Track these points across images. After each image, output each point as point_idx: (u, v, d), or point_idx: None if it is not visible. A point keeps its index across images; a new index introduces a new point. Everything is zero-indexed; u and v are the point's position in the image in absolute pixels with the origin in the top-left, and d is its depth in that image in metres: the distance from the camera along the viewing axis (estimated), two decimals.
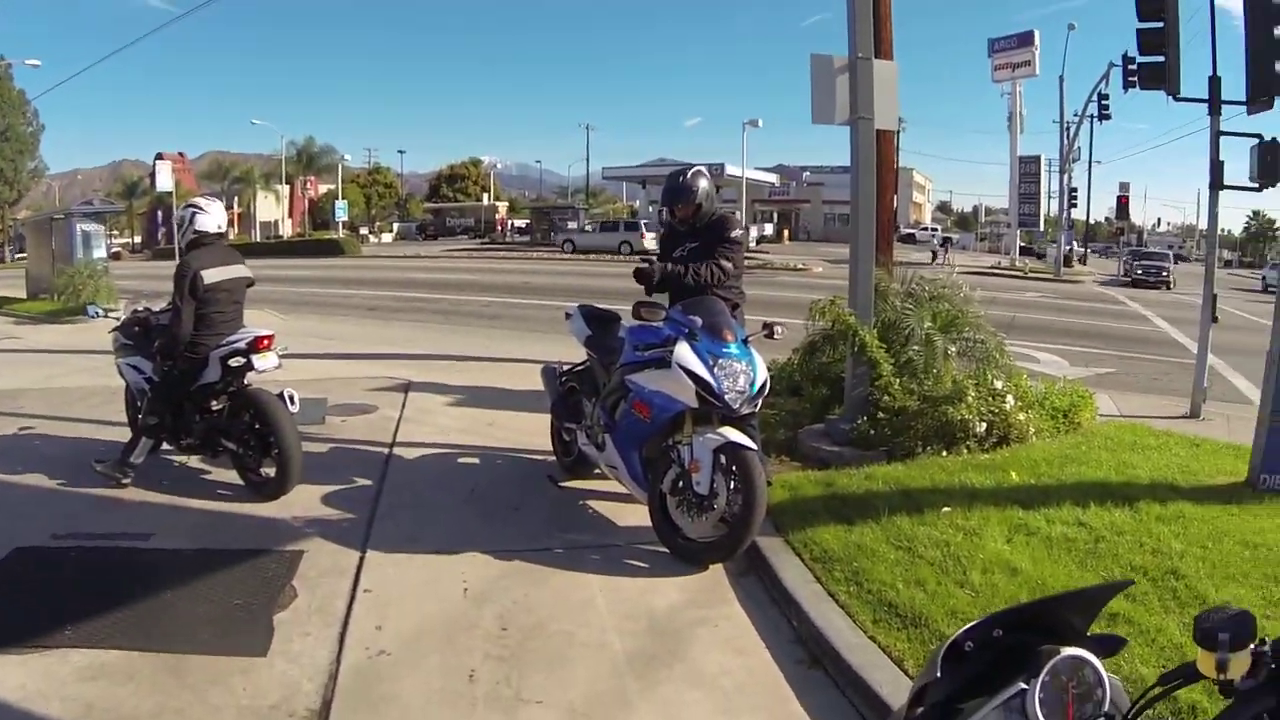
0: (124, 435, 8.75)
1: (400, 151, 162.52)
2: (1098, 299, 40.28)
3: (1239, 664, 1.54)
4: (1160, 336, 25.60)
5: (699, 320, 6.90)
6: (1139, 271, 56.06)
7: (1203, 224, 14.25)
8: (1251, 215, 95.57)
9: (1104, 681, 1.73)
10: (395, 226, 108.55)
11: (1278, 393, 8.94)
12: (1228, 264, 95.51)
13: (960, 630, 1.78)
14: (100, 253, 28.04)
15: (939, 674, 1.75)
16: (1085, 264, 78.23)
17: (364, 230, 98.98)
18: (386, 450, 9.40)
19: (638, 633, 5.75)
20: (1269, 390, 9.02)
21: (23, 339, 20.27)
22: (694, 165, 8.70)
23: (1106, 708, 1.72)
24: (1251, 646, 1.59)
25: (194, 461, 8.78)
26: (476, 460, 9.24)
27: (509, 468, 9.07)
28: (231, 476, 8.18)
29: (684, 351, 6.67)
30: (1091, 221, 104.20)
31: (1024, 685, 1.65)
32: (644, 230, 61.70)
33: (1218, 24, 14.21)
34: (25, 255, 43.80)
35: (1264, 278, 61.08)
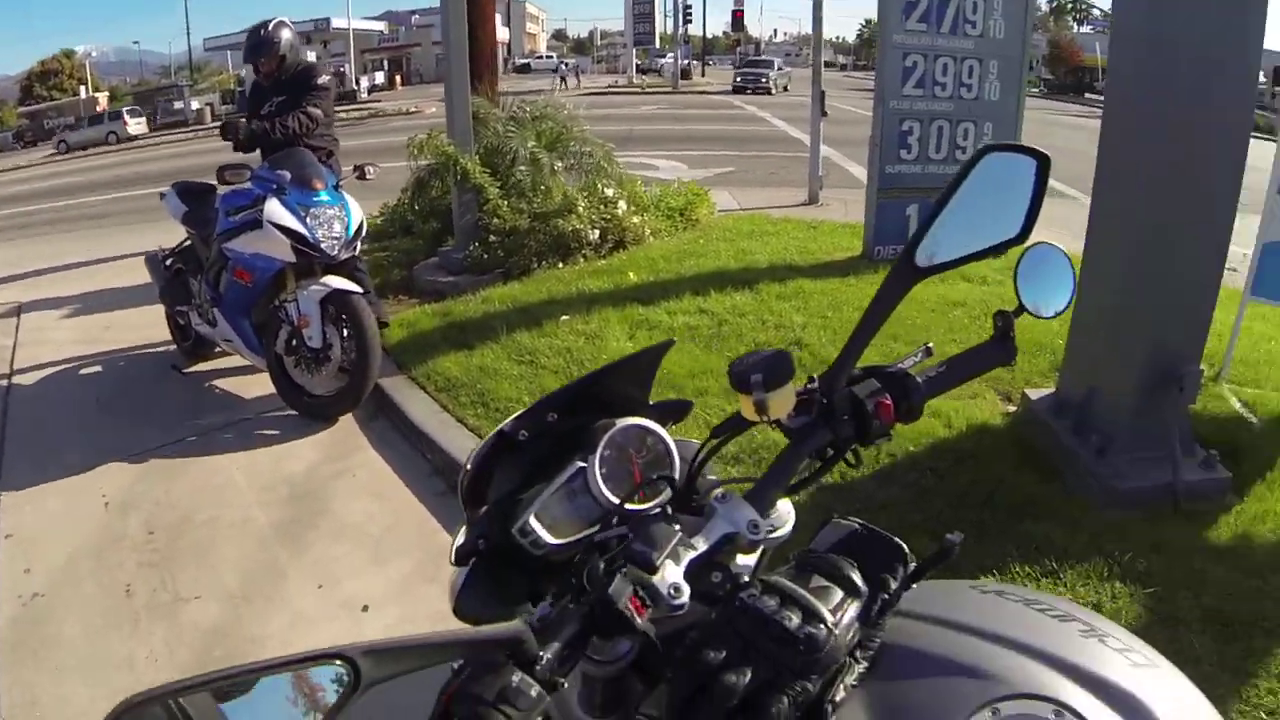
0: None
1: None
2: (716, 106, 41.72)
3: (779, 403, 1.51)
4: (778, 135, 26.76)
5: (287, 174, 6.85)
6: (738, 80, 59.63)
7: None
8: (864, 23, 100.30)
9: (669, 446, 1.75)
10: None
11: (881, 171, 9.78)
12: (843, 68, 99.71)
13: (509, 419, 1.74)
14: None
15: (476, 467, 1.72)
16: (705, 76, 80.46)
17: None
18: (5, 382, 8.88)
19: (280, 501, 5.86)
20: (874, 170, 9.86)
21: None
22: (275, 18, 8.54)
23: (675, 471, 1.72)
24: (798, 387, 1.60)
25: None
26: (99, 368, 8.93)
27: (132, 367, 8.83)
28: None
29: (274, 207, 6.65)
30: (709, 36, 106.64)
31: (582, 463, 1.64)
32: (126, 118, 64.21)
33: None
34: None
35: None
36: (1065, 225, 12.00)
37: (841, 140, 18.99)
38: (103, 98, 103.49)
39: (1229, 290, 8.02)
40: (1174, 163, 4.58)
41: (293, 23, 8.65)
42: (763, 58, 75.33)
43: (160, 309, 8.65)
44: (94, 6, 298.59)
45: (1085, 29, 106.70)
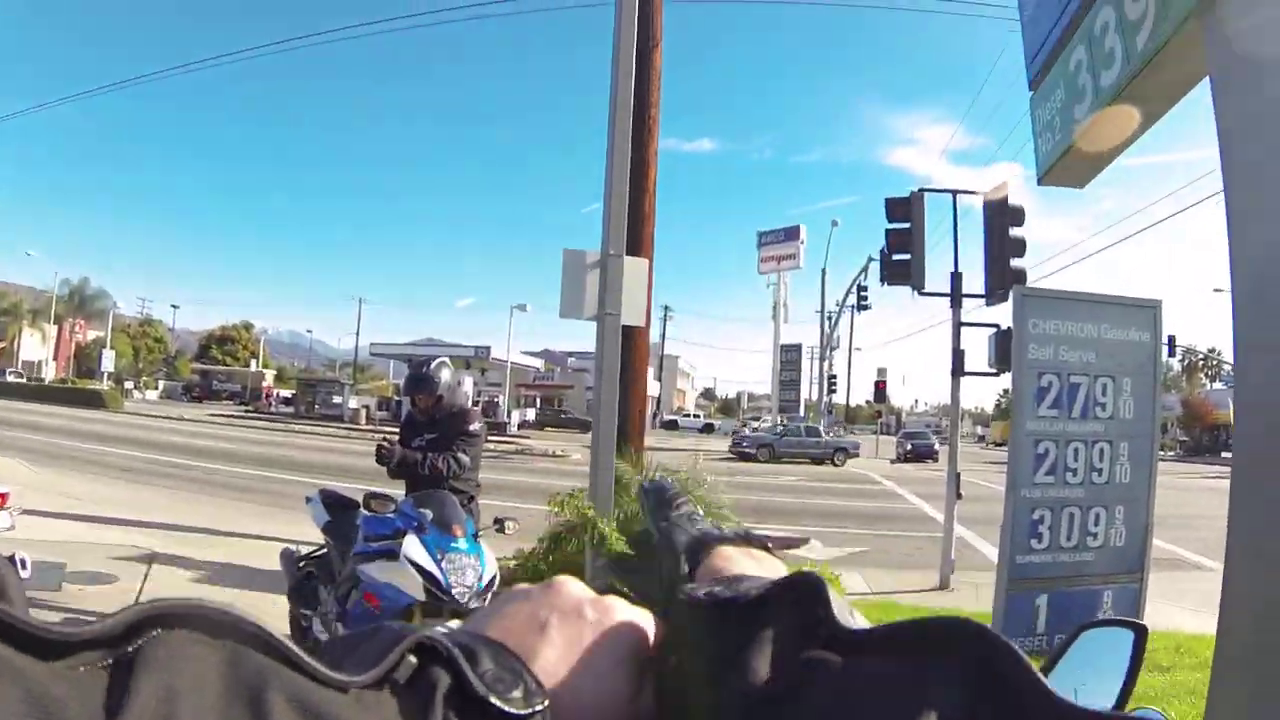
0: None
1: (174, 306, 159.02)
2: (854, 479, 41.52)
3: None
4: (913, 513, 26.58)
5: (429, 514, 7.04)
6: (908, 448, 60.90)
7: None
8: (1002, 393, 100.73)
9: None
10: (161, 384, 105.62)
11: (1011, 562, 9.64)
12: (980, 439, 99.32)
13: None
14: None
15: None
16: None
17: (129, 384, 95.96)
18: None
19: None
20: (1004, 561, 9.70)
21: None
22: (438, 357, 8.89)
23: None
24: None
25: None
26: None
27: None
28: None
29: (412, 544, 6.79)
30: (853, 405, 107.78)
31: None
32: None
33: (960, 223, 15.36)
34: None
35: None
36: (1193, 598, 11.72)
37: (976, 519, 18.85)
38: (270, 374, 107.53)
39: None
40: None
41: (455, 346, 8.98)
42: (916, 429, 76.15)
43: (284, 602, 8.72)
44: (277, 288, 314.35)
45: (1218, 385, 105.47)
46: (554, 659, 0.76)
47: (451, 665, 0.65)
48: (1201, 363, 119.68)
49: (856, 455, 57.74)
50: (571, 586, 0.87)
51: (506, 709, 0.65)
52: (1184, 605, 12.05)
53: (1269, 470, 4.32)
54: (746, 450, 55.60)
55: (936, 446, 59.33)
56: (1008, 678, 0.60)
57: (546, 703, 0.69)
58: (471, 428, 8.45)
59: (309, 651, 0.59)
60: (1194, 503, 24.84)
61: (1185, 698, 8.09)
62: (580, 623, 0.81)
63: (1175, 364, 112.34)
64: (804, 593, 0.75)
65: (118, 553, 12.12)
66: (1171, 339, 62.58)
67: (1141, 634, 1.64)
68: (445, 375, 8.48)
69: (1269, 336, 4.31)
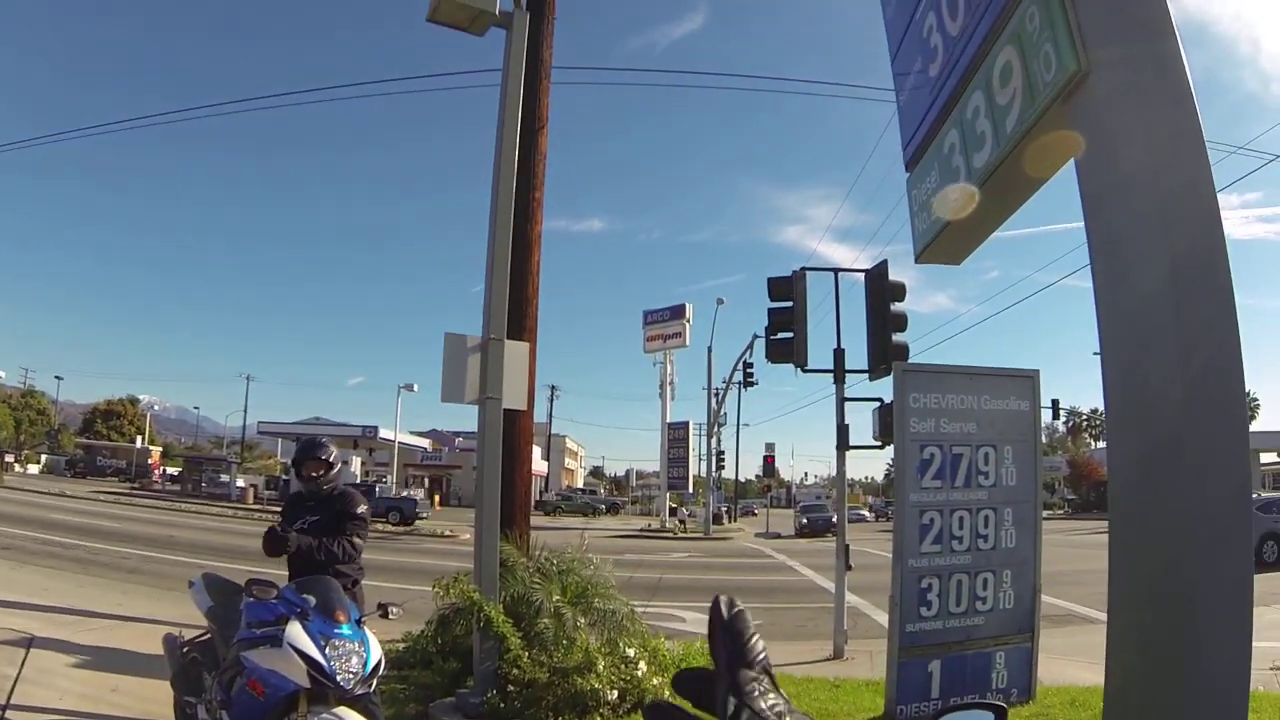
0: None
1: (58, 378, 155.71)
2: (745, 554, 41.95)
3: None
4: (805, 584, 26.84)
5: (312, 600, 6.97)
6: (804, 521, 63.05)
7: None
8: (890, 464, 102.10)
9: None
10: (43, 458, 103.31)
11: (902, 630, 9.85)
12: (870, 507, 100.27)
13: None
14: None
15: None
16: (735, 520, 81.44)
17: (9, 457, 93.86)
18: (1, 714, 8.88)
19: None
20: (894, 630, 9.91)
21: None
22: (323, 437, 8.91)
23: None
24: None
25: None
26: None
27: None
28: None
29: (295, 631, 6.69)
30: (743, 479, 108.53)
31: None
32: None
33: (843, 300, 15.66)
34: None
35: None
36: (1088, 652, 11.92)
37: (868, 587, 19.14)
38: (156, 451, 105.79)
39: (1270, 695, 7.86)
40: (1173, 562, 4.37)
41: (343, 426, 9.05)
42: (813, 501, 76.76)
43: (168, 688, 8.49)
44: (165, 362, 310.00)
45: (1102, 444, 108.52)
46: None
47: None
48: (1085, 423, 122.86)
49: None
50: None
51: None
52: (1078, 659, 12.33)
53: (1140, 523, 4.51)
54: None
55: (835, 520, 59.67)
56: None
57: None
58: (359, 510, 8.40)
59: None
60: (1083, 558, 25.40)
61: None
62: None
63: (1060, 426, 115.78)
64: None
65: None
66: (1055, 402, 64.01)
67: (1001, 715, 1.75)
68: (334, 451, 8.50)
69: (1137, 393, 4.50)
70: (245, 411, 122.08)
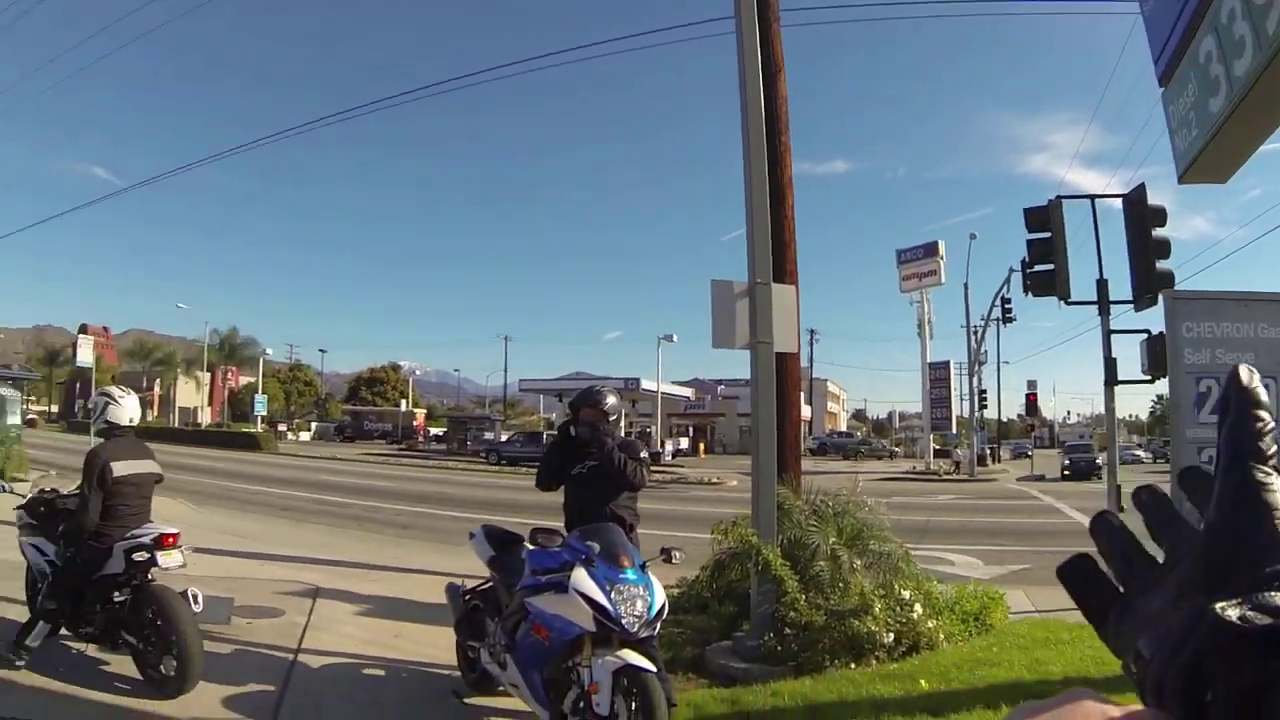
0: (21, 614, 8.66)
1: (322, 350, 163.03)
2: (1011, 496, 40.71)
3: None
4: (1074, 528, 25.75)
5: (596, 546, 7.00)
6: (1067, 463, 58.73)
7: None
8: (1156, 399, 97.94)
9: None
10: (313, 425, 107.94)
11: None
12: (1140, 447, 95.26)
13: None
14: (15, 419, 28.37)
15: None
16: (999, 462, 79.48)
17: (282, 426, 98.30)
18: (291, 657, 9.24)
19: None
20: None
21: None
22: (605, 384, 8.88)
23: None
24: None
25: (92, 650, 8.61)
26: (381, 672, 9.13)
27: (414, 681, 8.96)
28: (131, 669, 8.04)
29: (581, 576, 6.76)
30: (1004, 419, 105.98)
31: None
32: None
33: (1101, 227, 14.94)
34: None
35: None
36: None
37: (1140, 531, 18.22)
38: (420, 413, 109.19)
39: None
40: None
41: (604, 379, 8.95)
42: (1078, 442, 74.16)
43: (449, 633, 8.80)
44: (425, 332, 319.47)
45: None
46: None
47: None
48: None
49: None
50: (1092, 709, 0.70)
51: None
52: None
53: None
54: None
55: (1100, 462, 56.62)
56: None
57: None
58: (640, 453, 8.42)
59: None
60: None
61: None
62: None
63: None
64: None
65: (283, 588, 12.31)
66: None
67: None
68: (613, 400, 8.46)
69: None
70: (505, 370, 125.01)
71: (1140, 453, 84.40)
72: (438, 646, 9.47)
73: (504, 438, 71.24)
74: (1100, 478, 52.10)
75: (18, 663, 8.05)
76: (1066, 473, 56.88)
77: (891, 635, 9.34)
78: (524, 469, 54.28)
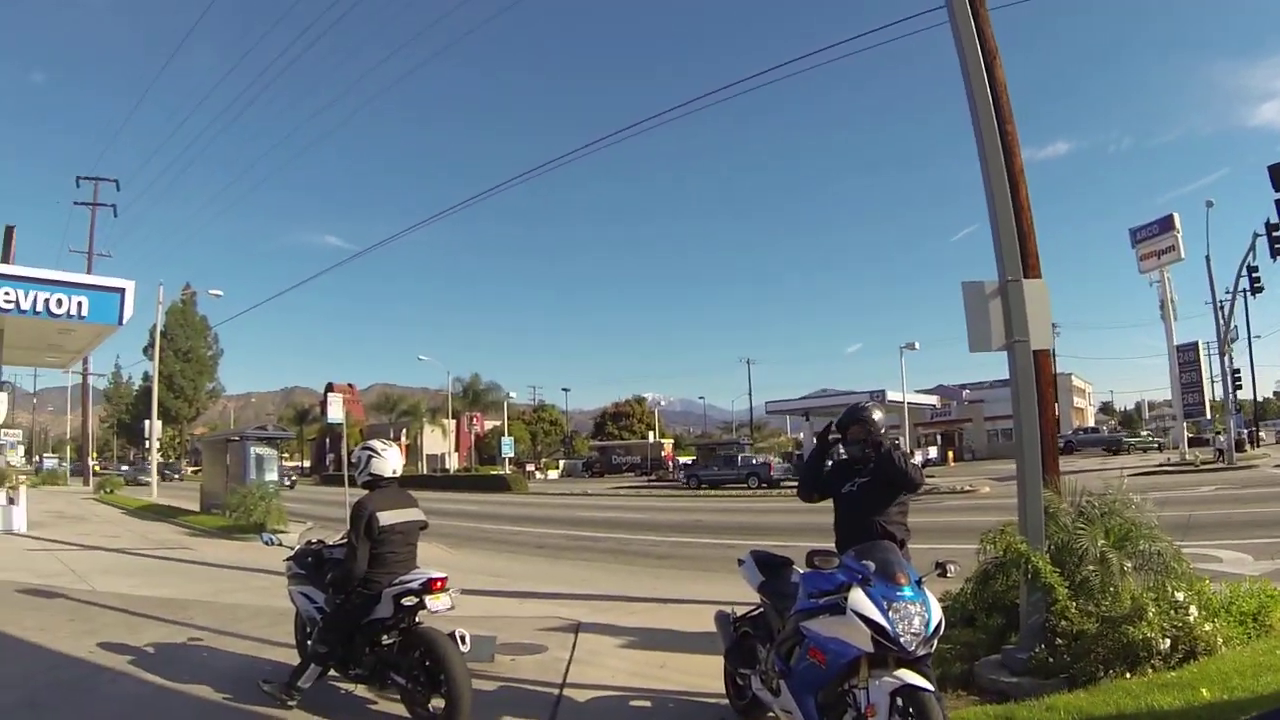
0: (290, 657, 9.20)
1: (565, 389, 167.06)
2: (1277, 483, 38.60)
3: None
4: None
5: (872, 565, 6.90)
6: None
7: None
8: None
9: None
10: (561, 463, 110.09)
11: None
12: None
13: None
14: (273, 475, 30.35)
15: None
16: (1258, 446, 75.95)
17: (530, 466, 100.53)
18: (557, 691, 9.33)
19: None
20: None
21: (194, 551, 21.67)
22: (872, 400, 8.80)
23: None
24: None
25: (361, 691, 8.92)
26: (648, 703, 9.15)
27: (681, 711, 8.96)
28: (398, 709, 8.29)
29: (859, 598, 6.66)
30: (1260, 399, 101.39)
31: None
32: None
33: None
34: (200, 470, 47.94)
35: None
36: None
37: None
38: (668, 443, 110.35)
39: None
40: None
41: (850, 394, 8.85)
42: None
43: (717, 660, 8.79)
44: (667, 363, 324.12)
45: None
46: None
47: None
48: None
49: None
50: None
51: None
52: None
53: None
54: None
55: None
56: None
57: None
58: (911, 463, 8.25)
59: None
60: None
61: None
62: None
63: None
64: None
65: (544, 624, 12.46)
66: None
67: None
68: (879, 414, 8.39)
69: None
70: (750, 394, 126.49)
71: None
72: (704, 675, 9.44)
73: (754, 461, 71.80)
74: None
75: (290, 703, 8.42)
76: None
77: (1168, 641, 8.91)
78: (723, 491, 54.98)
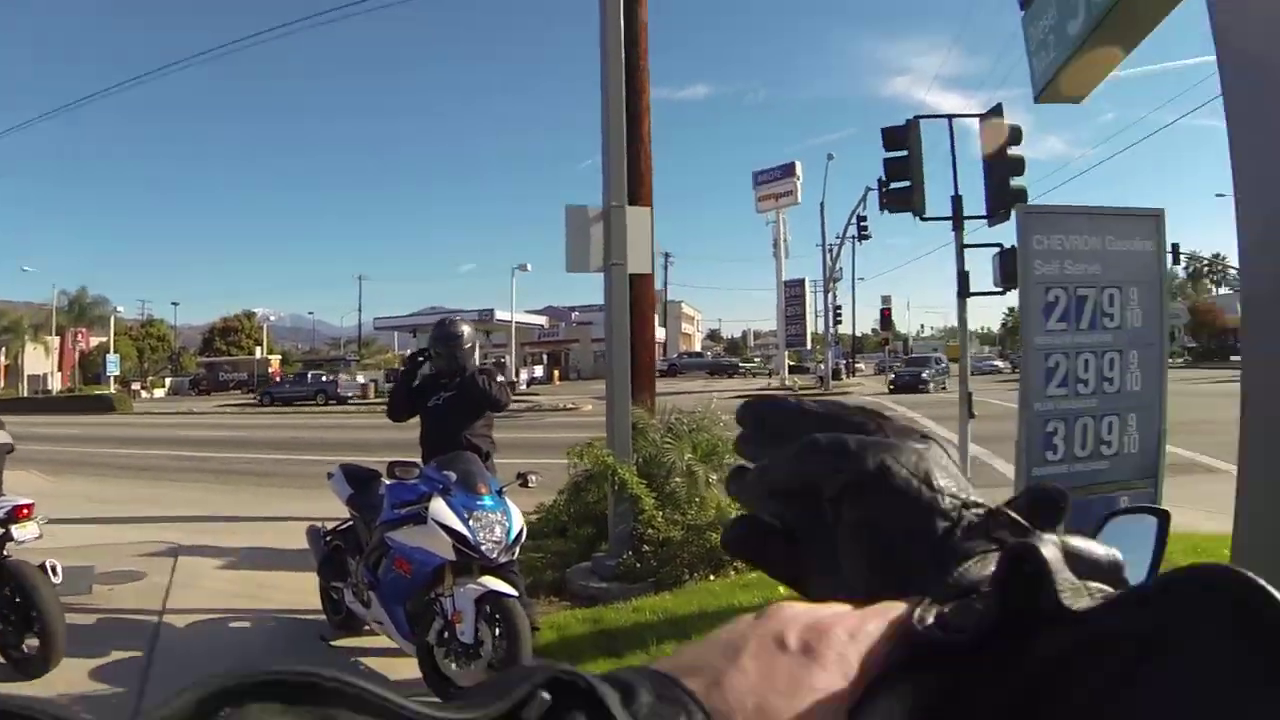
0: None
1: (174, 304, 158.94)
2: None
3: None
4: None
5: (453, 475, 7.10)
6: (893, 377, 62.27)
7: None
8: (1008, 311, 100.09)
9: None
10: (168, 381, 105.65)
11: (1028, 475, 9.70)
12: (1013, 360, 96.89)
13: None
14: None
15: None
16: (854, 376, 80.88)
17: (136, 385, 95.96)
18: (156, 619, 9.13)
19: None
20: (1020, 476, 9.76)
21: None
22: (459, 317, 8.99)
23: None
24: None
25: None
26: (248, 624, 9.14)
27: (281, 629, 9.00)
28: None
29: (439, 506, 6.85)
30: (859, 334, 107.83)
31: None
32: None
33: (958, 146, 15.36)
34: None
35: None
36: (1208, 501, 11.81)
37: (990, 437, 18.86)
38: (275, 360, 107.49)
39: None
40: None
41: (459, 312, 9.06)
42: (917, 355, 75.99)
43: (314, 578, 8.83)
44: (277, 276, 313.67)
45: (1224, 290, 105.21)
46: (742, 692, 0.56)
47: (591, 701, 0.50)
48: (1207, 269, 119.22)
49: None
50: (787, 609, 0.65)
51: None
52: (1199, 508, 12.04)
53: (1276, 363, 4.29)
54: None
55: (925, 376, 58.88)
56: None
57: None
58: (499, 378, 8.64)
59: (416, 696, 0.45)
60: (1205, 407, 24.76)
61: None
62: (780, 653, 0.60)
63: (1180, 271, 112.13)
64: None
65: (144, 549, 12.15)
66: (1175, 247, 61.38)
67: (1165, 519, 1.69)
68: (467, 330, 8.62)
69: (1275, 234, 4.25)
70: (359, 310, 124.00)
71: (999, 363, 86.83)
72: (304, 592, 9.42)
73: (360, 379, 71.79)
74: (929, 390, 54.38)
75: None
76: (892, 386, 59.23)
77: None
78: (297, 408, 55.06)
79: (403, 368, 9.52)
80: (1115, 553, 0.65)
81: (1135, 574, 1.62)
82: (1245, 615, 0.48)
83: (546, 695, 0.49)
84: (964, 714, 0.56)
